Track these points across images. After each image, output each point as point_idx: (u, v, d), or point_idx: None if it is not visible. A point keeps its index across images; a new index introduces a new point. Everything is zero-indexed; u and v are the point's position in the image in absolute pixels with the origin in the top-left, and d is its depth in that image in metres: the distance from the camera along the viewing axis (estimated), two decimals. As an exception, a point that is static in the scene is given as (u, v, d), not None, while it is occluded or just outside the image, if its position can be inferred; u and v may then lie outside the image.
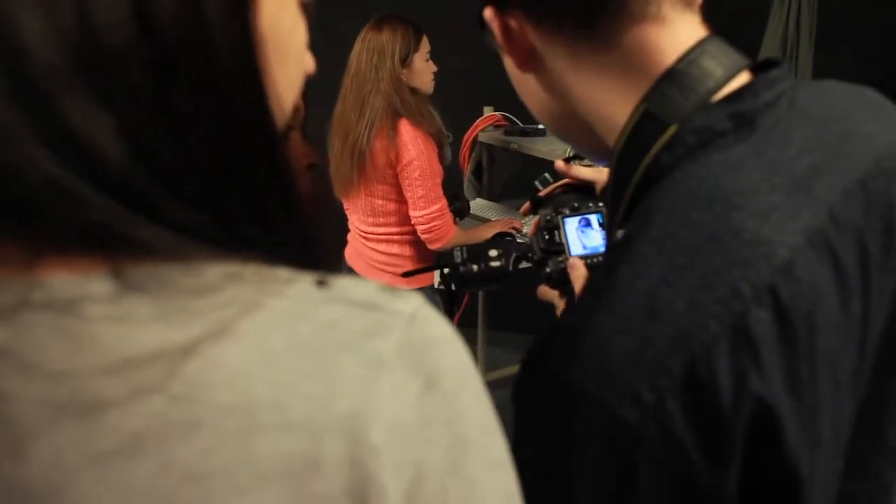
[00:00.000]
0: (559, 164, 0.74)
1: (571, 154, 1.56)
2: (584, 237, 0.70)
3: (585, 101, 0.47)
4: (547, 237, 0.70)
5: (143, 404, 0.24)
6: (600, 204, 0.71)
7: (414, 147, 1.56)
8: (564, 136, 0.56)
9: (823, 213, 0.39)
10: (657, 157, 0.43)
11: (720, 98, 0.43)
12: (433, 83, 1.68)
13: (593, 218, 0.71)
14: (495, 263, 0.73)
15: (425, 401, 0.28)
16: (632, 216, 0.44)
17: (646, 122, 0.44)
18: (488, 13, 0.46)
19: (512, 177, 2.41)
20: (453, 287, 0.64)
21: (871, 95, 0.50)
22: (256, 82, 0.28)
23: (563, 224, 0.71)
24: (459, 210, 2.06)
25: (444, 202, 1.61)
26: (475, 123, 2.26)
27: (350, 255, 1.79)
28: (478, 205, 2.31)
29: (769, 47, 2.21)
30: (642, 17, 0.43)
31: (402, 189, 1.61)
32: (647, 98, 0.44)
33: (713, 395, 0.34)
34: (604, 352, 0.37)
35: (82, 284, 0.24)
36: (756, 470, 0.36)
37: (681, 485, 0.36)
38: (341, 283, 0.28)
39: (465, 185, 2.43)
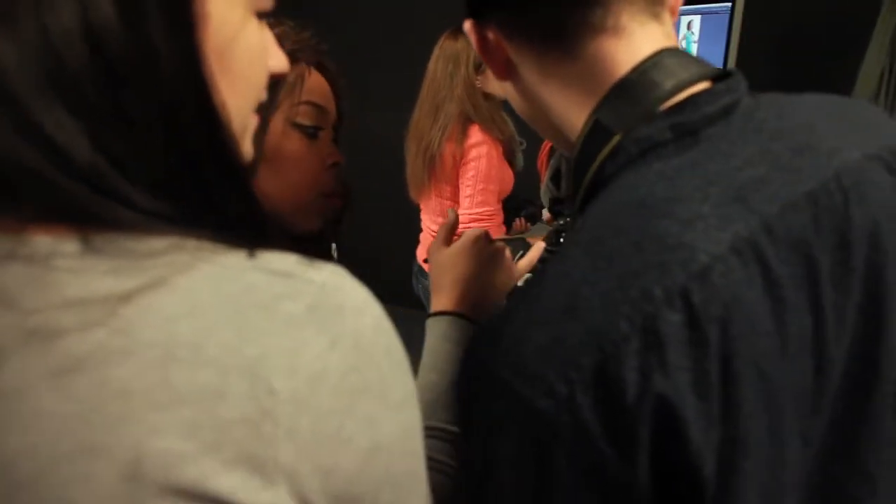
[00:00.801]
0: None
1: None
2: None
3: (554, 109, 0.49)
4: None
5: (89, 334, 0.29)
6: None
7: (477, 150, 1.60)
8: (544, 135, 0.58)
9: (756, 223, 0.39)
10: (602, 166, 0.45)
11: (665, 109, 0.43)
12: (508, 90, 1.71)
13: None
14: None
15: (328, 355, 0.32)
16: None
17: (596, 131, 0.45)
18: (467, 26, 0.49)
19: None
20: None
21: (858, 110, 0.48)
22: (198, 89, 0.34)
23: None
24: (531, 215, 2.08)
25: (492, 208, 1.63)
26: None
27: (421, 253, 1.87)
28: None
29: (868, 74, 2.06)
30: (602, 29, 0.44)
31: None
32: (598, 108, 0.45)
33: (619, 391, 0.35)
34: (521, 344, 0.38)
35: (56, 245, 0.31)
36: (664, 466, 0.37)
37: (595, 475, 0.37)
38: (268, 256, 0.34)
39: (543, 191, 2.44)
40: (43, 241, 0.31)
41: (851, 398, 0.46)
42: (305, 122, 0.65)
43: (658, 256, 0.37)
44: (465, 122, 1.61)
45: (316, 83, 0.67)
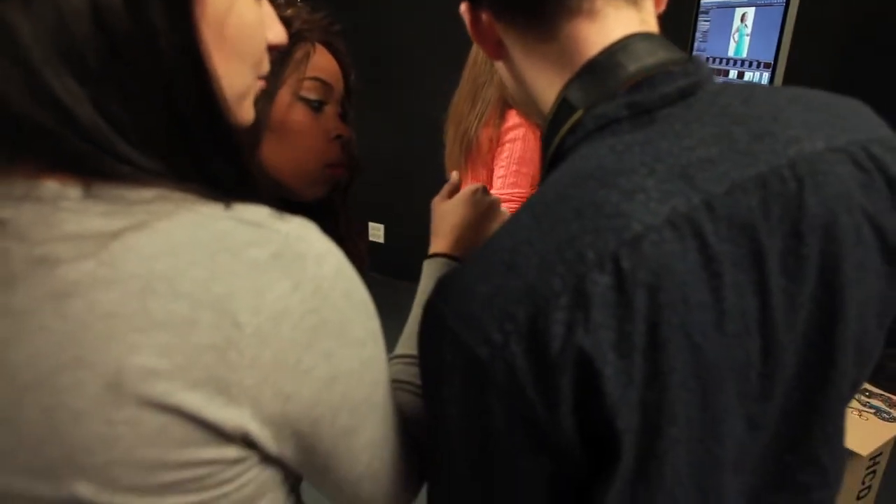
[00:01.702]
0: None
1: None
2: None
3: (535, 88, 0.51)
4: None
5: (82, 264, 0.34)
6: None
7: (514, 132, 1.60)
8: (529, 116, 0.62)
9: (698, 200, 0.41)
10: (563, 140, 0.47)
11: (624, 89, 0.45)
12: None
13: None
14: None
15: (290, 297, 0.37)
16: None
17: (562, 108, 0.48)
18: (463, 8, 0.52)
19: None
20: None
21: (842, 106, 0.48)
22: (193, 62, 0.38)
23: None
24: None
25: (522, 191, 1.62)
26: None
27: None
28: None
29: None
30: (577, 11, 0.47)
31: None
32: (567, 86, 0.47)
33: (546, 343, 0.38)
34: (467, 294, 0.41)
35: (62, 190, 0.36)
36: (584, 418, 0.40)
37: (525, 419, 0.40)
38: (241, 207, 0.38)
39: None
40: (52, 186, 0.36)
41: (807, 388, 0.47)
42: (311, 96, 0.71)
43: (595, 223, 0.39)
44: (504, 106, 1.62)
45: (323, 60, 0.72)
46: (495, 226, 0.75)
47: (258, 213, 0.38)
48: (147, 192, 0.37)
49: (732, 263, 0.41)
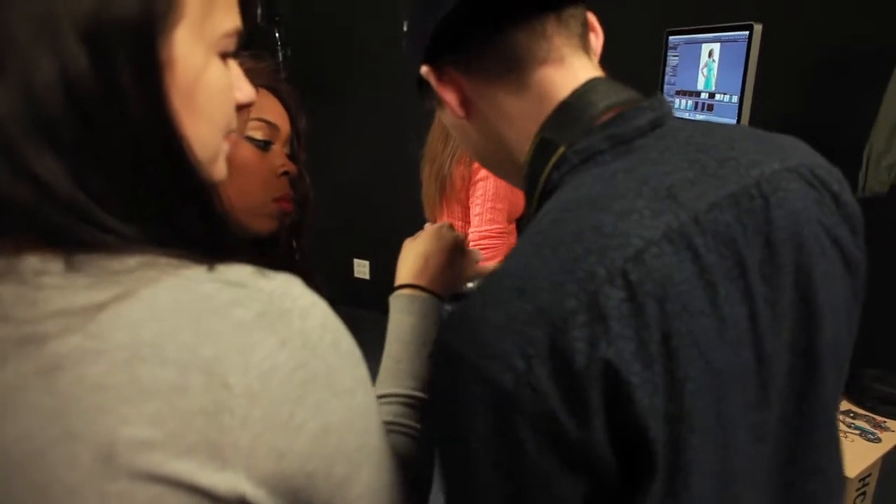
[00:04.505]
0: None
1: None
2: None
3: (506, 135, 0.54)
4: None
5: (69, 338, 0.34)
6: None
7: (485, 170, 1.64)
8: (495, 171, 0.63)
9: (686, 217, 0.43)
10: (549, 175, 0.50)
11: (599, 123, 0.50)
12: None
13: None
14: (470, 284, 0.80)
15: (278, 354, 0.37)
16: None
17: (541, 147, 0.51)
18: (425, 70, 0.54)
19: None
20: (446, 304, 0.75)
21: (779, 138, 0.53)
22: (163, 127, 0.38)
23: None
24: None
25: (500, 227, 1.66)
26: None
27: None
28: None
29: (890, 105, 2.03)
30: (546, 60, 0.51)
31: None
32: (543, 127, 0.51)
33: (570, 360, 0.39)
34: (480, 324, 0.42)
35: (44, 264, 0.36)
36: (617, 430, 0.40)
37: (557, 443, 0.40)
38: (224, 268, 0.38)
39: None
40: (33, 261, 0.36)
41: (797, 396, 0.49)
42: (256, 135, 0.74)
43: (596, 243, 0.41)
44: (475, 144, 1.65)
45: (268, 103, 0.76)
46: (461, 260, 0.77)
47: (241, 273, 0.39)
48: (130, 260, 0.37)
49: (723, 274, 0.44)
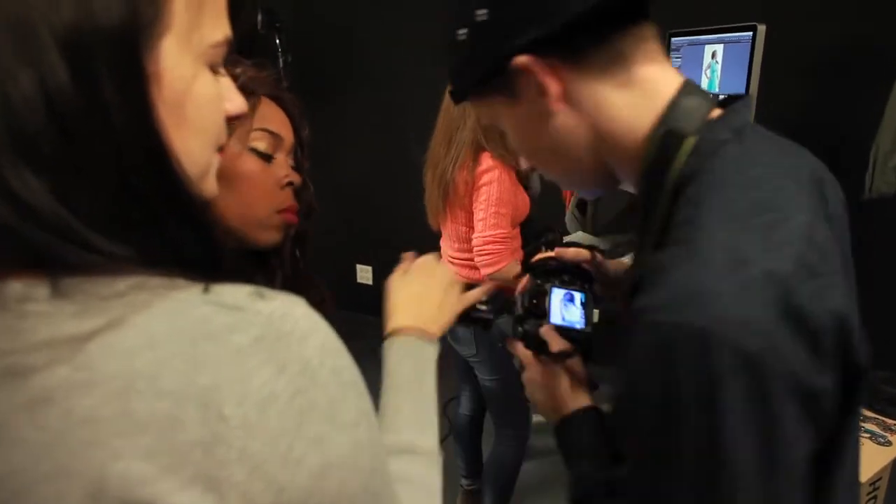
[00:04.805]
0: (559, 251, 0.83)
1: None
2: (565, 310, 0.76)
3: (607, 127, 0.57)
4: (535, 301, 0.76)
5: (56, 370, 0.32)
6: (585, 286, 0.79)
7: (488, 175, 1.63)
8: (555, 170, 0.64)
9: (817, 193, 0.52)
10: (687, 163, 0.53)
11: (714, 118, 0.55)
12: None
13: (577, 296, 0.77)
14: (482, 307, 0.80)
15: (276, 381, 0.35)
16: (671, 220, 0.52)
17: (668, 138, 0.55)
18: (524, 59, 0.54)
19: (615, 212, 2.40)
20: None
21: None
22: (150, 142, 0.36)
23: (551, 293, 0.77)
24: (551, 242, 2.08)
25: (504, 232, 1.65)
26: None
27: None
28: (580, 238, 2.32)
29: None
30: (647, 59, 0.56)
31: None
32: (665, 120, 0.55)
33: (805, 316, 0.43)
34: (717, 299, 0.43)
35: (28, 290, 0.34)
36: (842, 374, 0.46)
37: (803, 396, 0.43)
38: (220, 289, 0.36)
39: (567, 218, 2.45)
40: (16, 287, 0.34)
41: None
42: (260, 146, 0.72)
43: (775, 214, 0.48)
44: (477, 149, 1.64)
45: (271, 112, 0.74)
46: (451, 293, 0.77)
47: (238, 295, 0.37)
48: (120, 284, 0.35)
49: (838, 239, 0.52)
